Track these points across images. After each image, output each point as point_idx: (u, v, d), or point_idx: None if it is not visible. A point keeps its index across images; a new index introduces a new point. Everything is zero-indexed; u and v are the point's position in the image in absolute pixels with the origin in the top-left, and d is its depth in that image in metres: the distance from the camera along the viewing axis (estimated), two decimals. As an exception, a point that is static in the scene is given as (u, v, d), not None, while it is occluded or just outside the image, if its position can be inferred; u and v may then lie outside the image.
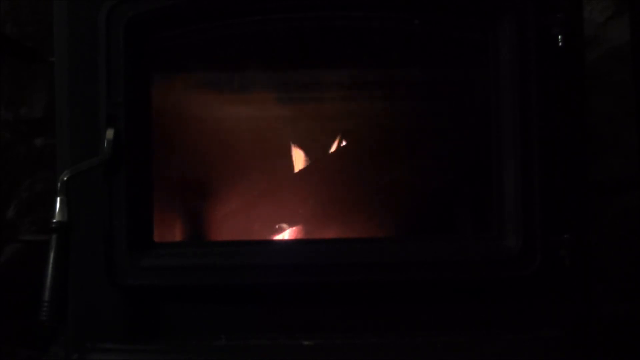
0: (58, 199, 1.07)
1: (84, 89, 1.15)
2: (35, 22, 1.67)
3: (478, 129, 1.25)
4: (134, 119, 1.15)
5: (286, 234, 1.38)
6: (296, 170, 1.41)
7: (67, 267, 1.07)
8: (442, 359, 1.14)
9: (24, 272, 1.63)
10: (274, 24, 1.21)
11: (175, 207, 1.36)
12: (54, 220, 1.07)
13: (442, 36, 1.24)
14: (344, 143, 1.42)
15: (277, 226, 1.38)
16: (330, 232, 1.35)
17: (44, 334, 1.33)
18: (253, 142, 1.38)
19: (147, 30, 1.17)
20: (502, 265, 1.15)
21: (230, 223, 1.37)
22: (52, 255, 1.06)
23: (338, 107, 1.39)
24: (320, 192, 1.38)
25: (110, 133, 1.12)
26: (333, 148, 1.41)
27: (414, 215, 1.36)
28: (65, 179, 1.08)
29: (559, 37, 1.15)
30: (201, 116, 1.36)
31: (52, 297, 1.04)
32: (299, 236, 1.37)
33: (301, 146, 1.41)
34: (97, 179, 1.13)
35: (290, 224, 1.38)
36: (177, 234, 1.36)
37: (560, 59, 1.15)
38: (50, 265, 1.05)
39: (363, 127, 1.40)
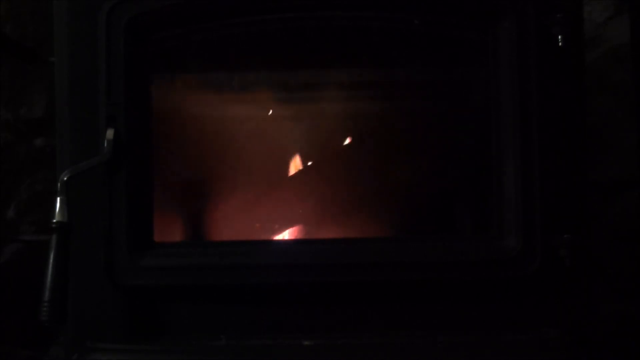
0: (58, 199, 1.07)
1: (84, 89, 1.15)
2: (35, 22, 1.67)
3: (478, 129, 1.26)
4: (134, 119, 1.15)
5: (286, 234, 1.38)
6: (296, 170, 1.41)
7: (67, 267, 1.07)
8: (442, 359, 1.14)
9: (24, 272, 1.63)
10: (274, 24, 1.21)
11: (175, 207, 1.36)
12: (54, 220, 1.07)
13: (442, 36, 1.24)
14: (344, 143, 1.42)
15: (277, 226, 1.38)
16: (330, 232, 1.35)
17: (44, 334, 1.32)
18: (253, 142, 1.38)
19: (147, 30, 1.17)
20: (502, 265, 1.15)
21: (230, 223, 1.37)
22: (52, 255, 1.06)
23: (338, 107, 1.39)
24: (320, 192, 1.38)
25: (110, 133, 1.12)
26: (334, 148, 1.41)
27: (414, 215, 1.36)
28: (65, 179, 1.08)
29: (559, 37, 1.15)
30: (201, 116, 1.36)
31: (52, 297, 1.04)
32: (299, 236, 1.37)
33: (301, 146, 1.41)
34: (97, 179, 1.13)
35: (290, 224, 1.38)
36: (177, 234, 1.36)
37: (560, 59, 1.15)
38: (50, 265, 1.05)
39: (363, 127, 1.40)
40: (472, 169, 1.30)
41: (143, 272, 1.14)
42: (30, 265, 1.59)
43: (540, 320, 1.16)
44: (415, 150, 1.38)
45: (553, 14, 1.15)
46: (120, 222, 1.13)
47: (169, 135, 1.29)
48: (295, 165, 1.41)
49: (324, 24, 1.21)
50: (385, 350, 1.14)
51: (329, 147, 1.42)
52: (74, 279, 1.11)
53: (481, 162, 1.23)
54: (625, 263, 1.62)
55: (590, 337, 1.16)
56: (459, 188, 1.36)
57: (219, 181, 1.38)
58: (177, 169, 1.34)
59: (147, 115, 1.18)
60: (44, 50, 1.57)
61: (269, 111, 1.39)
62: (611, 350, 1.23)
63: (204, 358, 1.13)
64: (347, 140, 1.42)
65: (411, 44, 1.28)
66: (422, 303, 1.17)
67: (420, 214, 1.36)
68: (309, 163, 1.41)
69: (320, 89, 1.39)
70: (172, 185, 1.33)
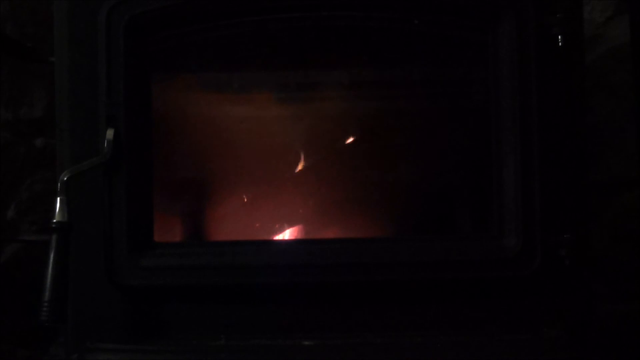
0: (58, 199, 1.07)
1: (84, 89, 1.15)
2: (35, 22, 1.67)
3: (478, 129, 1.25)
4: (134, 119, 1.15)
5: (286, 234, 1.38)
6: (296, 170, 1.41)
7: (67, 267, 1.07)
8: (442, 359, 1.14)
9: (24, 272, 1.63)
10: (274, 24, 1.21)
11: (175, 207, 1.36)
12: (54, 220, 1.07)
13: (442, 36, 1.24)
14: (344, 143, 1.42)
15: (277, 226, 1.38)
16: (330, 232, 1.35)
17: (44, 334, 1.32)
18: (253, 142, 1.38)
19: (147, 30, 1.17)
20: (502, 265, 1.15)
21: (230, 223, 1.37)
22: (52, 255, 1.06)
23: (338, 107, 1.39)
24: (320, 192, 1.38)
25: (110, 133, 1.12)
26: (333, 148, 1.41)
27: (414, 215, 1.36)
28: (65, 179, 1.08)
29: (559, 37, 1.15)
30: (201, 116, 1.36)
31: (52, 297, 1.04)
32: (299, 236, 1.37)
33: (301, 146, 1.41)
34: (97, 179, 1.13)
35: (290, 224, 1.38)
36: (177, 234, 1.36)
37: (560, 59, 1.16)
38: (50, 265, 1.05)
39: (363, 127, 1.40)
40: (472, 169, 1.30)
41: (143, 272, 1.14)
42: (30, 265, 1.60)
43: (540, 320, 1.16)
44: (415, 150, 1.38)
45: (553, 14, 1.15)
46: (120, 222, 1.13)
47: (169, 135, 1.29)
48: (295, 165, 1.41)
49: (324, 24, 1.21)
50: (386, 350, 1.14)
51: (329, 147, 1.42)
52: (74, 279, 1.11)
53: (481, 162, 1.23)
54: (625, 263, 1.62)
55: (590, 337, 1.16)
56: (459, 188, 1.36)
57: (219, 181, 1.38)
58: (177, 169, 1.34)
59: (147, 115, 1.18)
60: (44, 50, 1.57)
61: (268, 111, 1.39)
62: (611, 350, 1.23)
63: (204, 358, 1.13)
64: (348, 141, 1.42)
65: (411, 44, 1.28)
66: (422, 303, 1.17)
67: (421, 214, 1.36)
68: (309, 163, 1.41)
69: (320, 89, 1.39)
70: (172, 185, 1.33)
